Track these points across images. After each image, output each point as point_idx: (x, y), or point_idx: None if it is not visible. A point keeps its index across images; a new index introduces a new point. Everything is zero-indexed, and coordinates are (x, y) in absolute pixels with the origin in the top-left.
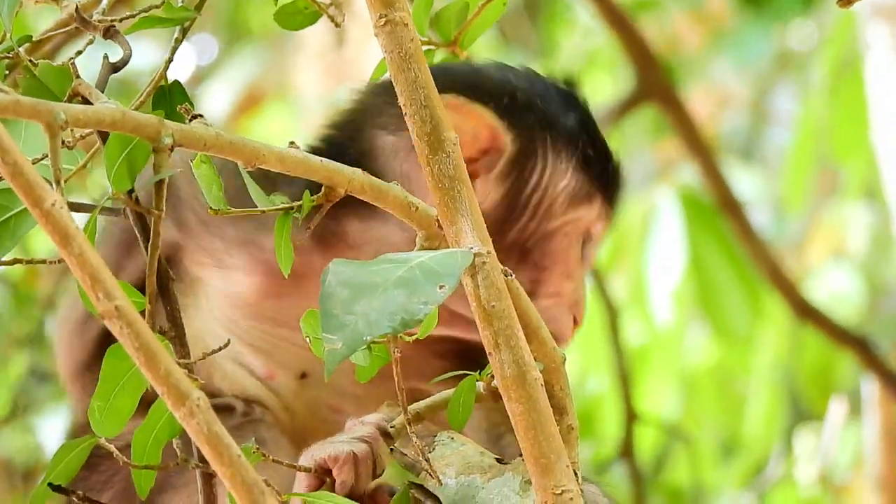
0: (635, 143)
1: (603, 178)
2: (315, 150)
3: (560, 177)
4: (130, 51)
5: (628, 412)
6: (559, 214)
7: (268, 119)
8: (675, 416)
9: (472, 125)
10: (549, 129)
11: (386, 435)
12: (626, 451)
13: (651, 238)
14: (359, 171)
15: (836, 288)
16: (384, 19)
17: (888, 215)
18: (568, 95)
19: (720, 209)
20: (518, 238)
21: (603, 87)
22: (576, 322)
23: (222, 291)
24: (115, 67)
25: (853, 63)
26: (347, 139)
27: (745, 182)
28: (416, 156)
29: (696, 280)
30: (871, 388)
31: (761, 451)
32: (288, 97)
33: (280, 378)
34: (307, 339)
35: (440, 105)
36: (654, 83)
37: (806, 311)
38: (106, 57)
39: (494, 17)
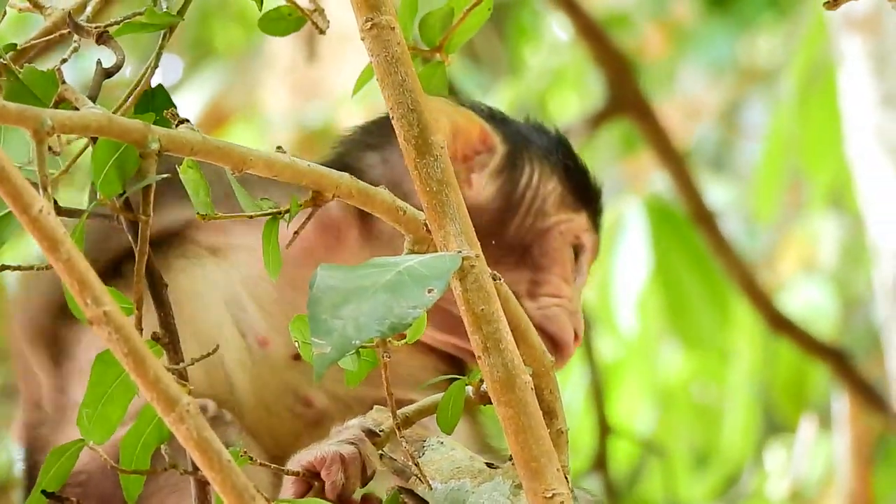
0: (605, 157)
1: (585, 192)
2: None
3: (548, 179)
4: (123, 56)
5: (602, 425)
6: (552, 213)
7: (234, 137)
8: (649, 429)
9: (464, 124)
10: (529, 141)
11: (372, 435)
12: (600, 463)
13: (617, 248)
14: (346, 175)
15: (808, 300)
16: (370, 23)
17: (859, 227)
18: (536, 123)
19: (693, 220)
20: (517, 233)
21: (570, 104)
22: (576, 336)
23: (249, 247)
24: (108, 73)
25: (824, 74)
26: (339, 164)
27: (716, 194)
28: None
29: (664, 291)
30: (842, 403)
31: (734, 464)
32: (254, 115)
33: (273, 349)
34: None
35: (427, 109)
36: (627, 95)
37: (779, 323)
38: (99, 62)
39: (479, 23)
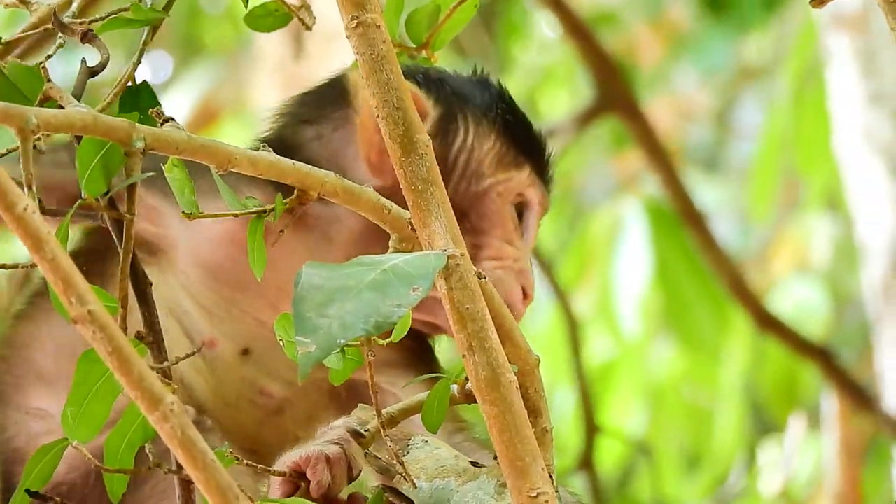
0: (596, 155)
1: (528, 145)
2: None
3: (484, 139)
4: (108, 55)
5: (589, 424)
6: (488, 175)
7: (224, 134)
8: (640, 429)
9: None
10: (465, 100)
11: (357, 435)
12: (586, 463)
13: (617, 250)
14: (331, 174)
15: (800, 300)
16: (356, 21)
17: (851, 226)
18: (479, 79)
19: (683, 221)
20: (453, 199)
21: (560, 102)
22: (526, 295)
23: (191, 248)
24: (93, 72)
25: (816, 73)
26: (276, 138)
27: (709, 194)
28: (339, 135)
29: (662, 292)
30: (831, 403)
31: (724, 464)
32: (244, 112)
33: (221, 348)
34: (260, 312)
35: (412, 107)
36: (615, 94)
37: (768, 323)
38: (84, 61)
39: (465, 20)
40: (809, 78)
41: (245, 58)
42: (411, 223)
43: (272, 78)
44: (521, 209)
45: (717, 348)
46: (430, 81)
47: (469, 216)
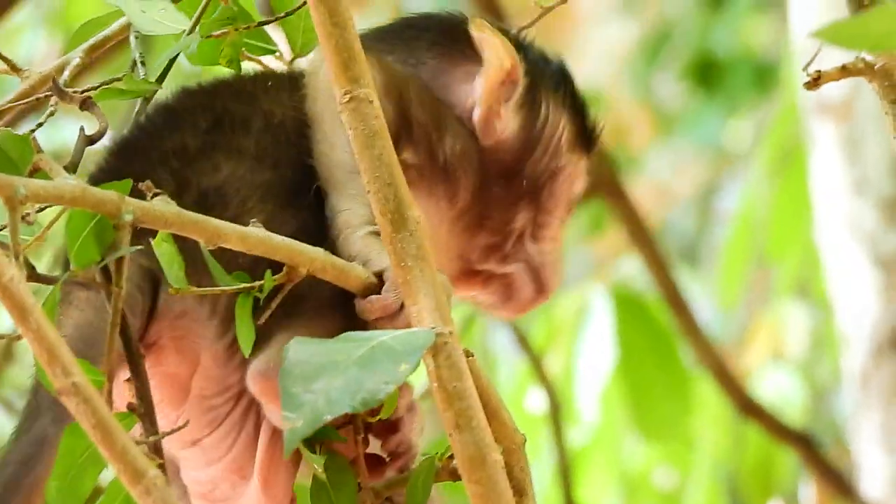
0: (572, 238)
1: (590, 135)
2: None
3: (559, 116)
4: (106, 123)
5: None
6: (564, 152)
7: None
8: None
9: (499, 50)
10: (542, 73)
11: None
12: None
13: (582, 337)
14: (321, 250)
15: (776, 388)
16: (349, 95)
17: (827, 315)
18: (541, 51)
19: (664, 303)
20: (532, 173)
21: None
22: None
23: None
24: (91, 140)
25: (793, 158)
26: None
27: (686, 279)
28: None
29: (627, 381)
30: (809, 489)
31: None
32: None
33: None
34: None
35: (404, 183)
36: (600, 175)
37: (749, 409)
38: (82, 129)
39: None
40: (786, 163)
41: None
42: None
43: None
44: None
45: (685, 436)
46: (521, 49)
47: (541, 194)
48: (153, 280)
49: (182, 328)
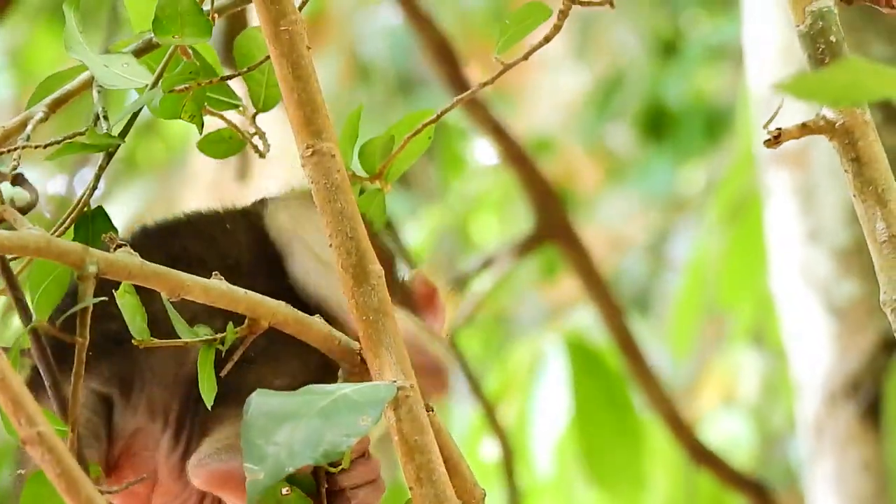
0: (526, 285)
1: None
2: None
3: None
4: (37, 195)
5: None
6: None
7: None
8: None
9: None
10: None
11: None
12: None
13: (536, 387)
14: (283, 303)
15: (727, 434)
16: (311, 149)
17: (779, 361)
18: None
19: (617, 351)
20: None
21: (492, 230)
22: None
23: None
24: (22, 211)
25: (747, 207)
26: None
27: (639, 326)
28: None
29: (579, 430)
30: None
31: None
32: None
33: None
34: None
35: (366, 237)
36: (554, 222)
37: (701, 456)
38: (12, 201)
39: (420, 151)
40: (740, 211)
41: (175, 176)
42: (361, 354)
43: (207, 196)
44: None
45: (637, 483)
46: None
47: None
48: (107, 403)
49: (137, 445)
